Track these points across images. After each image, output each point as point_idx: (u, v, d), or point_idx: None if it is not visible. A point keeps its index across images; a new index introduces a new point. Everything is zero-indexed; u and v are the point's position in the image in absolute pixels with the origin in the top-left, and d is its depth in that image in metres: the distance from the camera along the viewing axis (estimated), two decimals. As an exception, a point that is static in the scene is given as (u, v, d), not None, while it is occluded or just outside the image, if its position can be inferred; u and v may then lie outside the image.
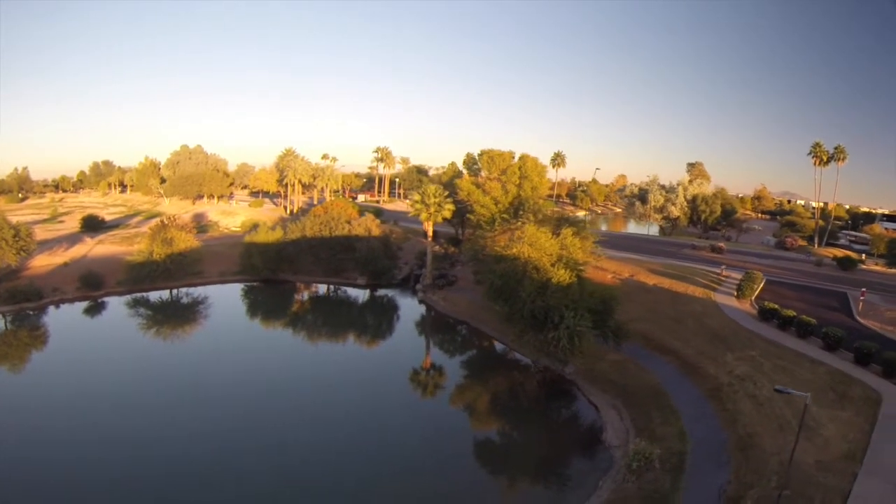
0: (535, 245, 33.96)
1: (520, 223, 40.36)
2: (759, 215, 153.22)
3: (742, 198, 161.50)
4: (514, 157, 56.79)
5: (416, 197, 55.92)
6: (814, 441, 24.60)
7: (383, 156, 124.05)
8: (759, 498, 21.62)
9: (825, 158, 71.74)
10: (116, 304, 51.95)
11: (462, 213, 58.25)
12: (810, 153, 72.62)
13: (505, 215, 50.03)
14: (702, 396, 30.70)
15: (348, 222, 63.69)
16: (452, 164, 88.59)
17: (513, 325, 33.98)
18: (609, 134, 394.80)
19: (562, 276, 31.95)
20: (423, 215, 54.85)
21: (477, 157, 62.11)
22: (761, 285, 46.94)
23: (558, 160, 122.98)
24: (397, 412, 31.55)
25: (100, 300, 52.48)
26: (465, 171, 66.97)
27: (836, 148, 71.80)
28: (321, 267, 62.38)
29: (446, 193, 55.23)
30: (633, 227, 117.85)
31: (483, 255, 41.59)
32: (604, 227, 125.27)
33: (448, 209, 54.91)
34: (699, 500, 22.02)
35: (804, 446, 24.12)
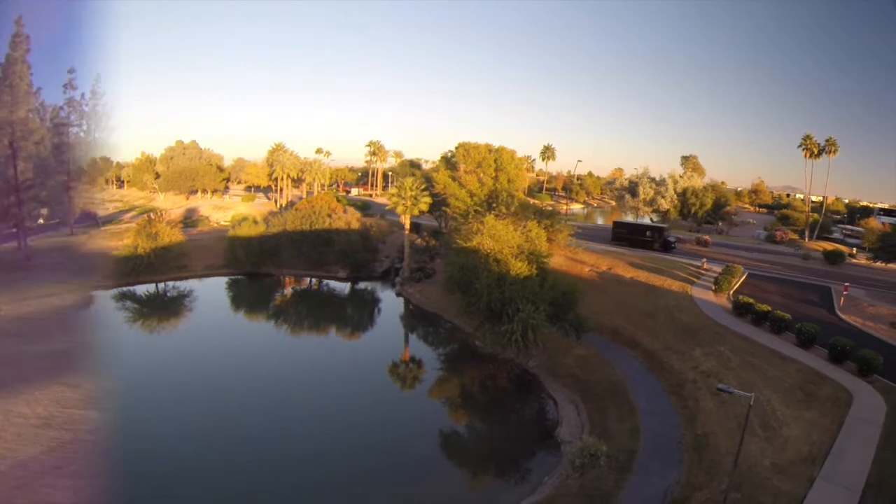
0: (495, 237, 33.17)
1: (490, 215, 39.60)
2: (757, 209, 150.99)
3: (740, 191, 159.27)
4: (490, 150, 55.94)
5: (394, 190, 55.35)
6: (773, 442, 23.68)
7: (375, 150, 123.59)
8: (705, 501, 20.72)
9: (816, 151, 70.04)
10: (103, 298, 51.94)
11: (440, 205, 57.62)
12: (800, 146, 70.96)
13: (479, 208, 49.32)
14: (663, 392, 29.93)
15: (329, 216, 63.31)
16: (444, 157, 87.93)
17: (470, 317, 33.28)
18: (607, 127, 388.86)
19: (520, 268, 31.13)
20: (400, 208, 54.37)
21: (454, 150, 61.52)
22: (742, 279, 45.79)
23: (548, 153, 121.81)
24: (363, 406, 30.87)
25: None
26: (442, 165, 66.37)
27: (827, 140, 70.16)
28: (303, 260, 62.11)
29: (423, 186, 54.64)
30: (629, 221, 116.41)
31: (454, 248, 40.94)
32: (600, 221, 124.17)
33: (425, 202, 54.37)
34: (642, 500, 21.26)
35: (762, 447, 23.24)
